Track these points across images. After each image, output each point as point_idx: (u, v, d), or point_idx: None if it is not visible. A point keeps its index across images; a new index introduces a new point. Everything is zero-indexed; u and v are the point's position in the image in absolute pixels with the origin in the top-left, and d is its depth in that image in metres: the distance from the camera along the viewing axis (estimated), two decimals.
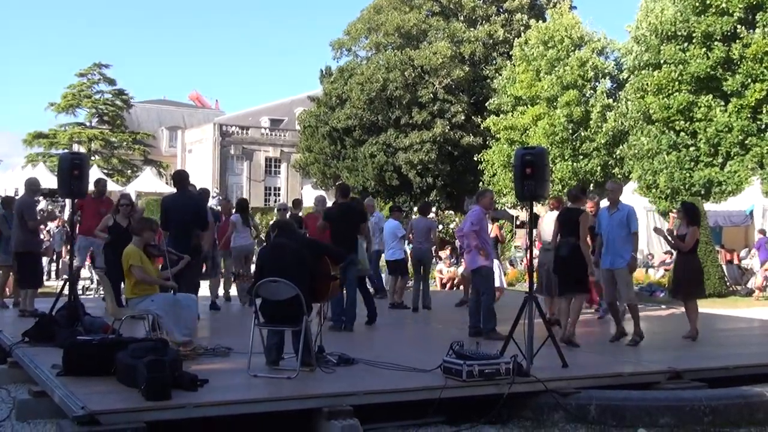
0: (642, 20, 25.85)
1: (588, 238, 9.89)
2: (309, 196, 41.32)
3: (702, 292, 10.73)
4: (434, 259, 17.25)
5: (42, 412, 6.76)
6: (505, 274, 20.79)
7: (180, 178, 10.51)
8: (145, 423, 5.80)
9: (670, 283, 11.18)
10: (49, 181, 31.27)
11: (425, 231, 13.37)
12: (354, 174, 38.37)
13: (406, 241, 14.21)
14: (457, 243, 22.79)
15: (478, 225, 10.06)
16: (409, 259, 14.28)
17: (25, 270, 11.51)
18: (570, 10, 34.77)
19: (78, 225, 12.31)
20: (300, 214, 15.01)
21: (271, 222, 18.50)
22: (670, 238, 10.50)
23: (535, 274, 10.89)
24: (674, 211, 23.43)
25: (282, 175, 60.08)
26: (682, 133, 23.85)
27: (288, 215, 14.29)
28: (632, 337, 9.55)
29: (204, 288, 12.26)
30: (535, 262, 18.77)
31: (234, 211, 13.64)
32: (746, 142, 22.74)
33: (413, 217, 16.11)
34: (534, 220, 9.45)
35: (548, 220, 11.49)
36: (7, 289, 13.04)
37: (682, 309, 14.23)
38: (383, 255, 14.41)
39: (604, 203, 11.36)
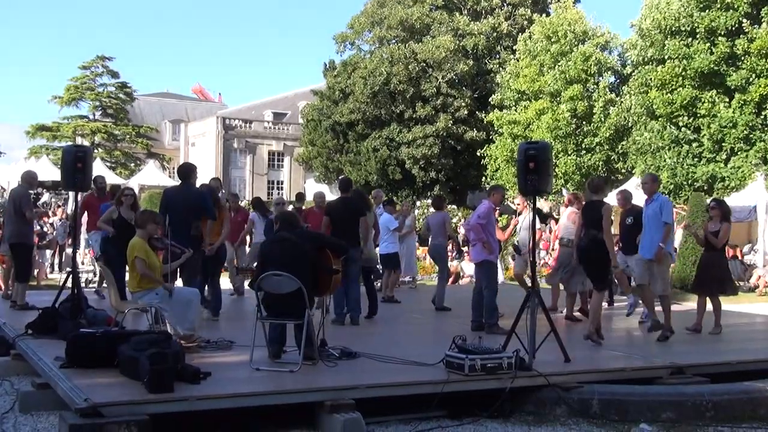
0: (646, 15, 25.81)
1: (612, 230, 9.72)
2: (312, 189, 41.36)
3: (733, 288, 10.69)
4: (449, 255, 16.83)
5: (45, 404, 6.78)
6: (506, 269, 20.82)
7: (184, 171, 10.50)
8: (147, 415, 5.81)
9: (693, 278, 11.08)
10: (52, 173, 31.26)
11: (441, 226, 13.00)
12: (357, 168, 38.36)
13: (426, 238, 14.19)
14: (460, 237, 22.80)
15: (485, 219, 10.07)
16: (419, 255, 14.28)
17: (18, 262, 11.52)
18: (574, 5, 34.71)
19: (87, 223, 12.94)
20: (303, 207, 14.99)
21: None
22: (700, 235, 10.48)
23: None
24: (677, 206, 23.48)
25: (285, 169, 60.09)
26: (684, 129, 23.83)
27: (290, 209, 14.28)
28: (662, 332, 9.50)
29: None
30: (544, 256, 18.72)
31: (252, 209, 13.81)
32: (750, 136, 22.72)
33: (416, 210, 16.00)
34: (537, 214, 9.45)
35: (564, 216, 11.48)
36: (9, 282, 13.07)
37: (685, 304, 14.26)
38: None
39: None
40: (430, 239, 13.41)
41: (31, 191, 11.86)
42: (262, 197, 19.19)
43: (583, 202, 11.72)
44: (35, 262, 15.75)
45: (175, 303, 7.95)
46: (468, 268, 19.73)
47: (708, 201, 11.58)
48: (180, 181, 10.56)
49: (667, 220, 9.54)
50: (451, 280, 20.54)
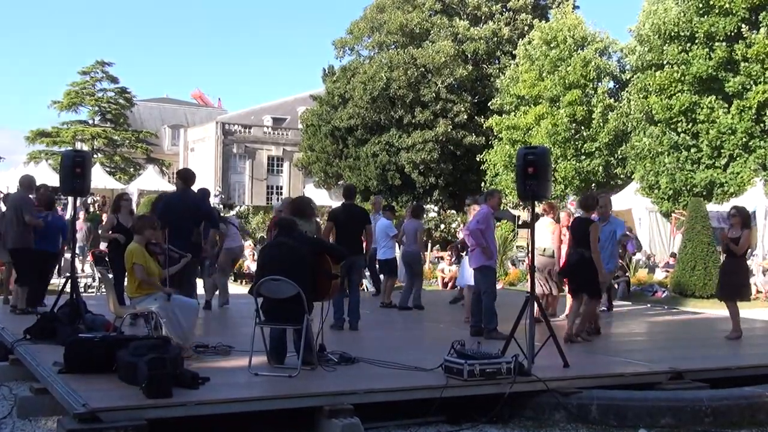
0: (645, 20, 25.85)
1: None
2: (311, 195, 41.51)
3: (748, 295, 10.88)
4: (423, 261, 17.28)
5: (43, 409, 6.76)
6: (506, 274, 20.84)
7: (184, 177, 10.50)
8: (146, 420, 5.79)
9: (716, 285, 11.33)
10: (51, 178, 31.25)
11: (413, 233, 13.42)
12: (356, 173, 38.35)
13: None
14: (459, 242, 22.80)
15: (484, 224, 10.09)
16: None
17: (17, 267, 11.49)
18: (573, 10, 34.77)
19: None
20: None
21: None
22: (724, 241, 10.60)
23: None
24: (676, 211, 23.50)
25: (284, 174, 60.13)
26: (683, 134, 23.84)
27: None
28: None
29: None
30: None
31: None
32: (749, 143, 22.73)
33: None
34: (536, 220, 9.50)
35: (540, 225, 11.52)
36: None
37: (682, 309, 14.28)
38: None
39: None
40: (402, 245, 13.65)
41: (31, 195, 11.85)
42: (261, 202, 19.04)
43: (560, 213, 12.10)
44: None
45: (171, 310, 7.93)
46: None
47: (728, 209, 11.74)
48: (180, 186, 10.55)
49: (619, 238, 10.51)
50: (450, 285, 20.57)
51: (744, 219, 10.40)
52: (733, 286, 10.39)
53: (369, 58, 40.61)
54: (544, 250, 11.41)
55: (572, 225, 10.09)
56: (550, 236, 11.44)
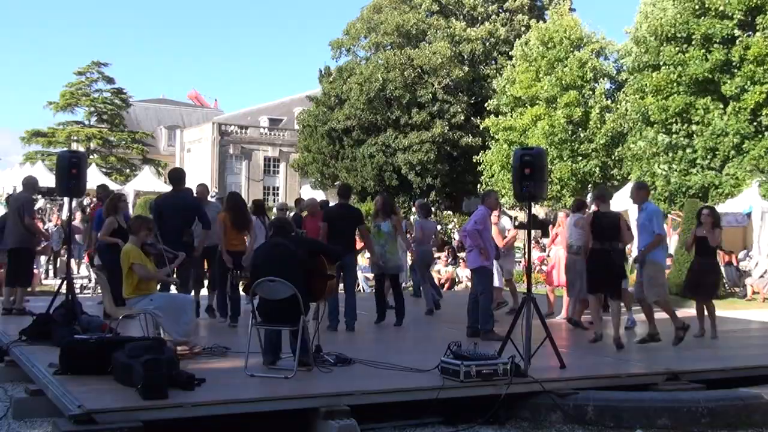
0: (641, 22, 25.90)
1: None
2: (308, 196, 41.44)
3: (715, 292, 10.92)
4: (434, 261, 17.27)
5: (39, 410, 6.74)
6: None
7: (175, 177, 10.50)
8: (141, 422, 5.78)
9: (684, 282, 11.30)
10: (47, 179, 31.24)
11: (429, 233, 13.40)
12: (353, 174, 38.34)
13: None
14: (455, 243, 22.82)
15: (481, 224, 10.08)
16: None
17: (18, 267, 11.49)
18: (569, 11, 34.81)
19: None
20: (301, 213, 14.93)
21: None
22: (691, 240, 10.68)
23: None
24: (673, 212, 23.54)
25: (281, 175, 60.03)
26: (676, 136, 23.89)
27: (291, 214, 14.24)
28: (643, 336, 9.61)
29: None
30: (535, 261, 18.67)
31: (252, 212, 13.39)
32: (743, 145, 22.77)
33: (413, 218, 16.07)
34: (533, 220, 9.45)
35: (571, 222, 11.43)
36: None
37: (682, 310, 14.24)
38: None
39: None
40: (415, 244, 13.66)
41: (33, 197, 11.87)
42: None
43: (559, 213, 11.93)
44: None
45: (169, 309, 7.93)
46: (464, 274, 19.75)
47: (699, 207, 11.77)
48: (172, 186, 10.55)
49: (658, 230, 9.61)
50: (446, 285, 20.58)
51: (715, 219, 10.59)
52: (711, 285, 10.54)
53: (365, 58, 40.60)
54: (571, 246, 11.29)
55: (593, 220, 9.76)
56: (580, 232, 11.19)
